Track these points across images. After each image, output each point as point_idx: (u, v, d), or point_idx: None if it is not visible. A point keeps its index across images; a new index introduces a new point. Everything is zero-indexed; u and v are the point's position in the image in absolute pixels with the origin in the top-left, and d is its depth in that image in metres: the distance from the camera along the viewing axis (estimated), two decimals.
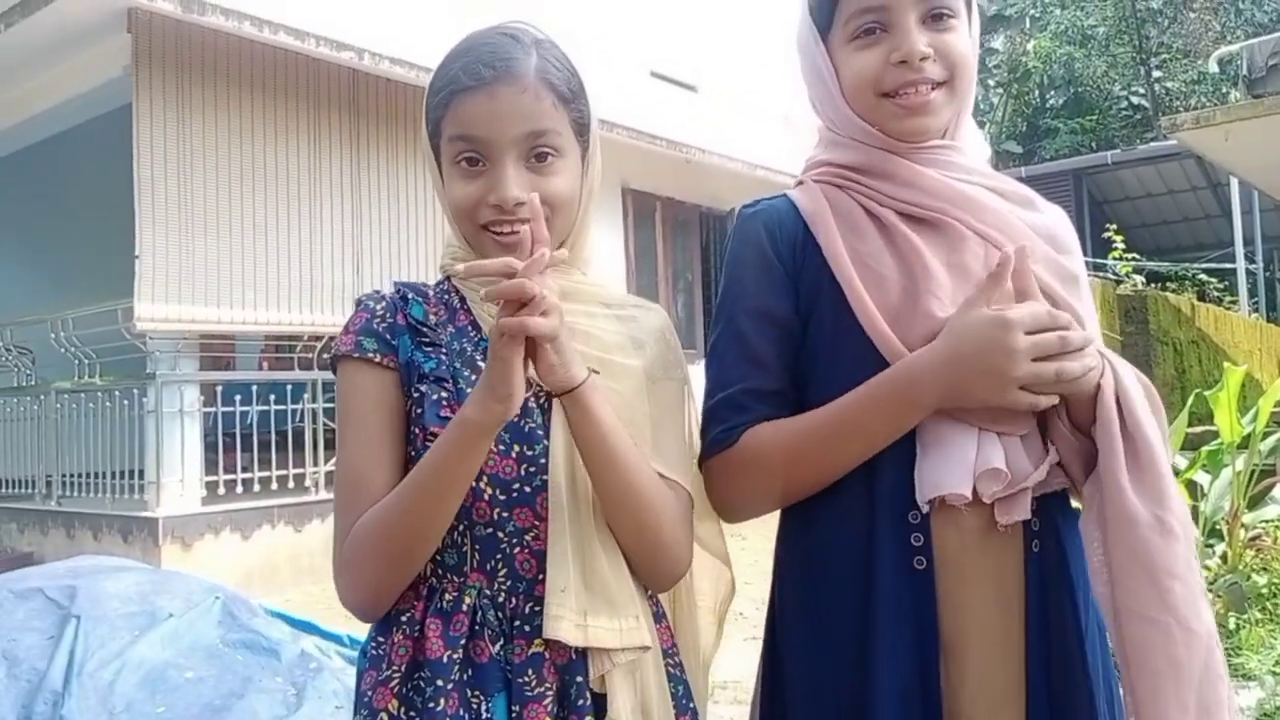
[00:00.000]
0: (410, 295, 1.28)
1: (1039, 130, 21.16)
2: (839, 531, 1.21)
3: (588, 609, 1.14)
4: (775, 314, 1.26)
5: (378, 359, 1.22)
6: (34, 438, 7.32)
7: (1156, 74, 20.04)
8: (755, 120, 10.26)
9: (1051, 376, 1.10)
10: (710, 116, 9.89)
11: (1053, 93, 21.16)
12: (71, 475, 6.96)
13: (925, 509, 1.16)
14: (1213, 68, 14.30)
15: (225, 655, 3.14)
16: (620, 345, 1.27)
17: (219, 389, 6.48)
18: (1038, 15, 20.29)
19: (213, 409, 6.42)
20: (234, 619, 3.39)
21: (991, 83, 21.79)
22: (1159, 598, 1.09)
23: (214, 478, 6.39)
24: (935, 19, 1.22)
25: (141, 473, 6.30)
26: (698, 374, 1.33)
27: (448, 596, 1.18)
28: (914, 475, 1.17)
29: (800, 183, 1.35)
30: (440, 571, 1.19)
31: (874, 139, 1.27)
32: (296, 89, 6.78)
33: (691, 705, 1.27)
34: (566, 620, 1.13)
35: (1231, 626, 4.08)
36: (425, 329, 1.25)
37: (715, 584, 1.42)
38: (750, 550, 2.35)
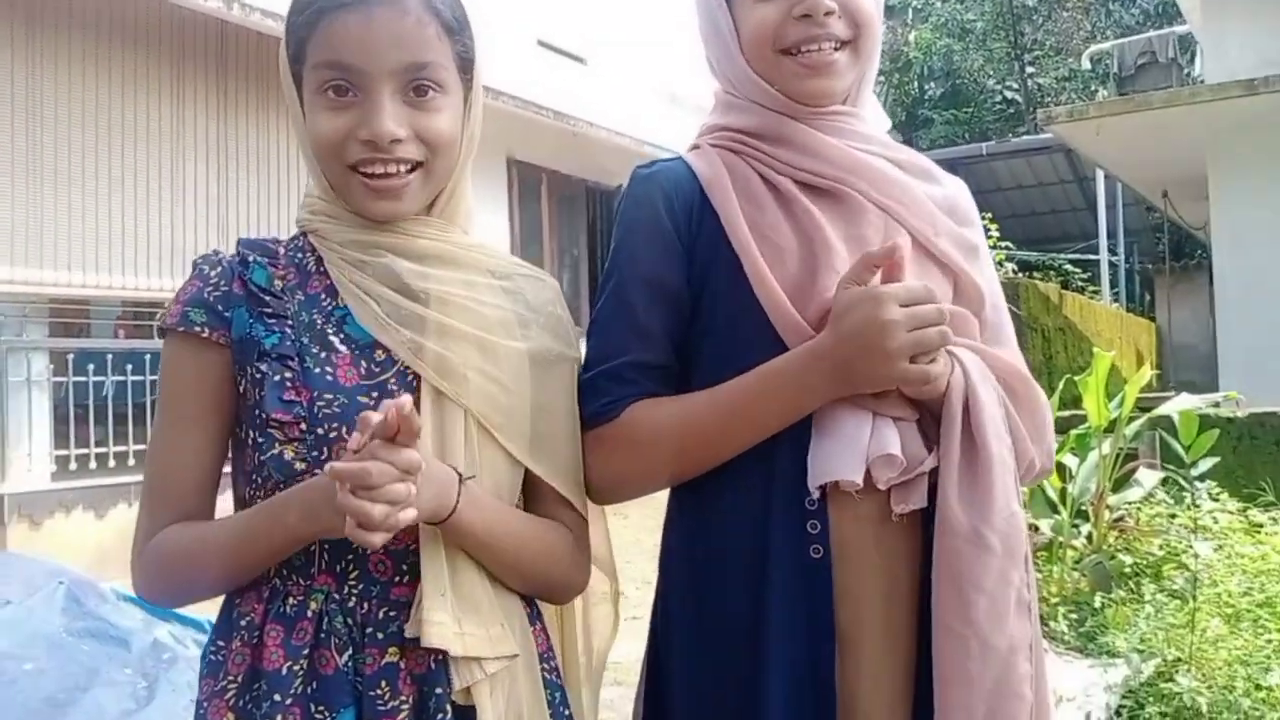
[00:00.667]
0: (253, 258, 1.14)
1: (917, 120, 21.70)
2: (733, 516, 1.16)
3: (460, 615, 1.04)
4: (666, 284, 1.18)
5: (205, 334, 1.09)
6: None
7: (1030, 70, 20.77)
8: (644, 95, 10.18)
9: (938, 341, 1.06)
10: (599, 89, 9.77)
11: (932, 84, 21.72)
12: None
13: (817, 494, 1.11)
14: (1085, 65, 14.91)
15: (69, 645, 2.92)
16: (503, 323, 1.15)
17: (71, 357, 6.09)
18: (920, 7, 20.78)
19: (64, 379, 6.03)
20: (79, 605, 3.16)
21: None
22: (962, 610, 1.08)
23: (65, 452, 6.01)
24: None
25: None
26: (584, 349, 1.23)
27: (291, 600, 1.06)
28: (808, 460, 1.12)
29: (696, 147, 1.27)
30: (285, 572, 1.07)
31: (773, 100, 1.20)
32: (159, 38, 6.36)
33: (567, 712, 1.18)
34: (447, 627, 1.02)
35: (1097, 605, 4.21)
36: (268, 297, 1.11)
37: (595, 633, 1.34)
38: (632, 528, 2.26)
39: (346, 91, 1.08)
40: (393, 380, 1.10)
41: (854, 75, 1.21)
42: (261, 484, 1.08)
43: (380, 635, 1.05)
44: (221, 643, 1.09)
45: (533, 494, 1.18)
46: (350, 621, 1.05)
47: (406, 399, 0.95)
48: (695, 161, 1.23)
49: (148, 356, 6.40)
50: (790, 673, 1.11)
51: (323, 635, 1.04)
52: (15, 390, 5.83)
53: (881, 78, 22.23)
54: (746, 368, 1.14)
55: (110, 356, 6.22)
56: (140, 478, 1.15)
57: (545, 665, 1.16)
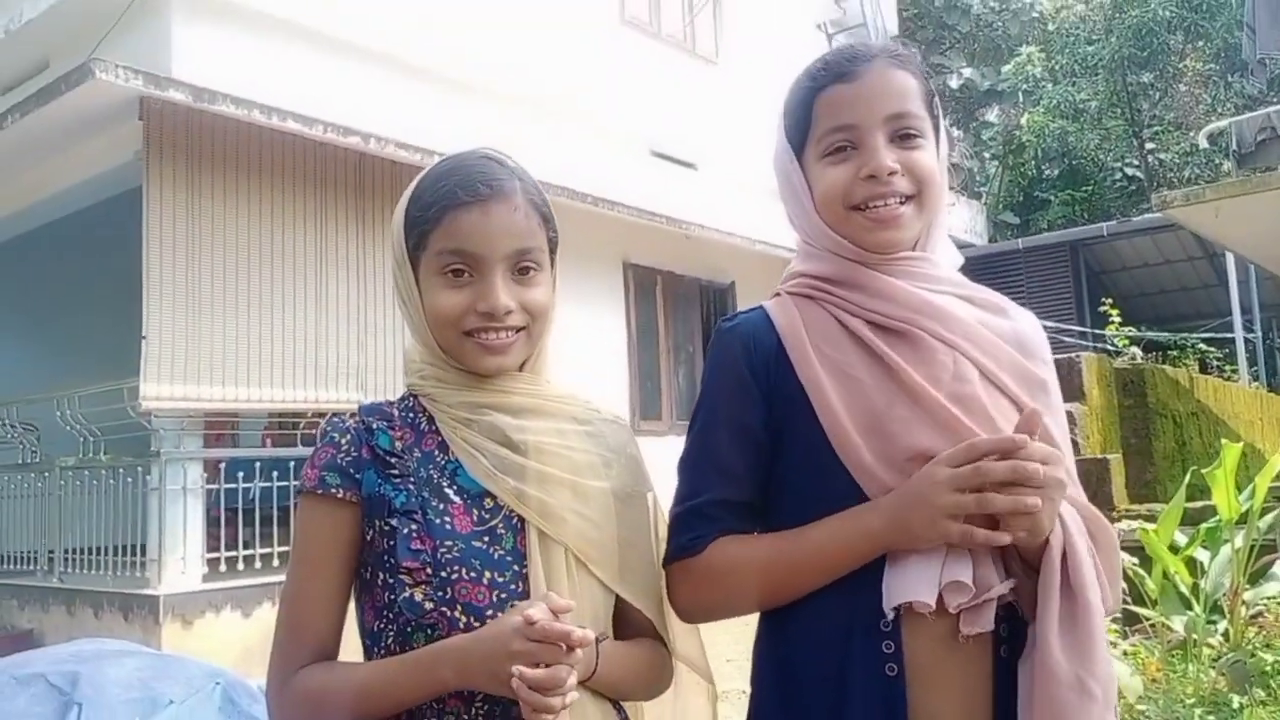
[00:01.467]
0: (375, 424, 1.32)
1: (1035, 201, 21.38)
2: (814, 636, 1.25)
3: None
4: (748, 427, 1.30)
5: (340, 494, 1.27)
6: (37, 514, 7.36)
7: (1149, 146, 20.32)
8: (752, 195, 10.42)
9: (971, 505, 1.15)
10: (709, 192, 10.06)
11: (1048, 165, 21.42)
12: (74, 551, 6.99)
13: (891, 615, 1.20)
14: (1203, 143, 14.54)
15: None
16: (590, 465, 1.34)
17: (222, 466, 6.52)
18: (1030, 89, 20.64)
19: (215, 485, 6.45)
20: (234, 705, 3.38)
21: (987, 155, 22.09)
22: None
23: (215, 554, 6.40)
24: (903, 138, 1.29)
25: (143, 549, 6.32)
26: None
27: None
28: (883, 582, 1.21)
29: (777, 294, 1.41)
30: None
31: (845, 250, 1.32)
32: (304, 172, 6.93)
33: None
34: None
35: (1235, 706, 4.06)
36: (393, 459, 1.29)
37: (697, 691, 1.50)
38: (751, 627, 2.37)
39: (463, 273, 1.29)
40: (500, 525, 1.27)
41: (920, 224, 1.32)
42: (392, 619, 1.24)
43: None
44: None
45: (620, 616, 1.36)
46: None
47: (554, 598, 1.18)
48: (774, 310, 1.36)
49: (291, 463, 6.82)
50: None
51: None
52: (172, 499, 6.27)
53: (995, 162, 22.06)
54: (823, 504, 1.25)
55: (258, 464, 6.65)
56: (284, 578, 1.33)
57: None
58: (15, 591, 7.32)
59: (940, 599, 1.19)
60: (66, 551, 7.02)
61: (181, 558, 6.23)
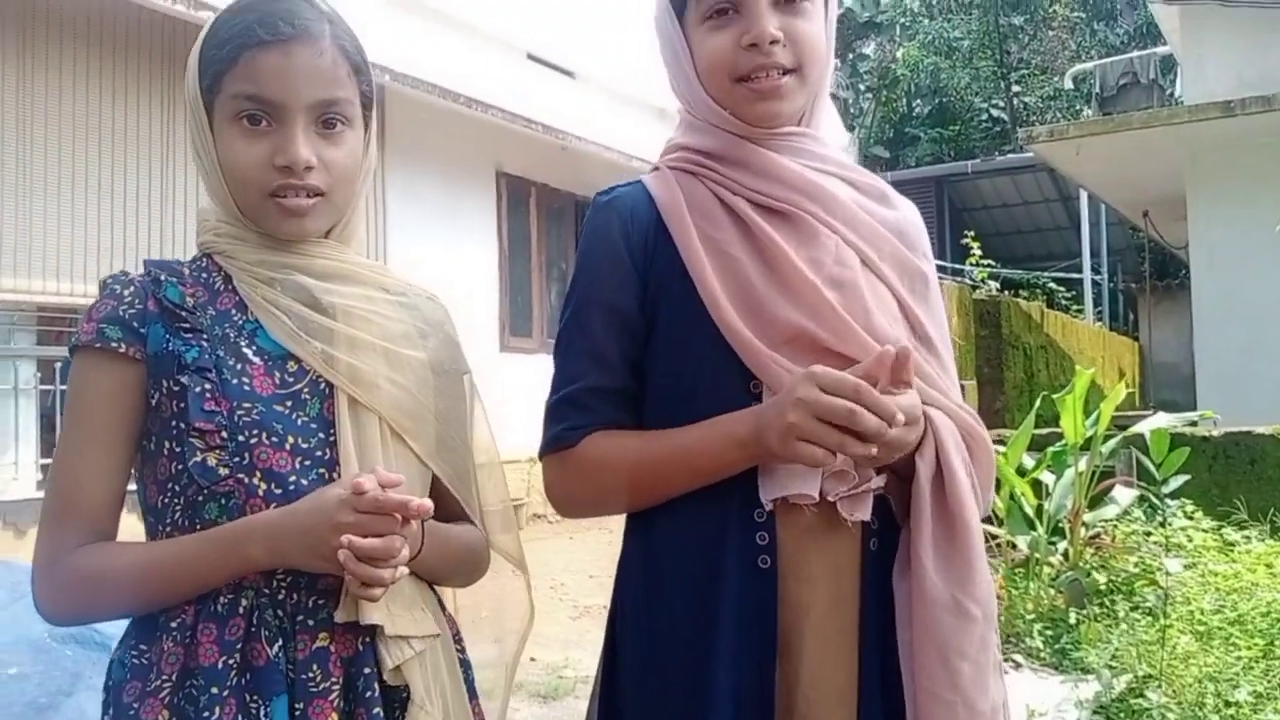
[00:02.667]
0: (163, 276, 1.20)
1: (905, 137, 21.86)
2: (685, 529, 1.20)
3: (387, 599, 1.12)
4: (623, 309, 1.24)
5: (121, 349, 1.15)
6: None
7: (1016, 88, 20.95)
8: (633, 110, 10.25)
9: (835, 443, 1.07)
10: (588, 104, 9.83)
11: (919, 101, 21.88)
12: None
13: (769, 508, 1.16)
14: (1068, 84, 15.06)
15: (53, 650, 2.93)
16: (405, 334, 1.25)
17: (59, 366, 6.10)
18: (907, 24, 20.94)
19: (51, 386, 6.03)
20: None
21: (861, 87, 22.39)
22: (949, 678, 1.13)
23: (50, 460, 6.01)
24: (788, 1, 1.21)
25: None
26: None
27: (222, 600, 1.12)
28: (758, 473, 1.17)
29: (656, 168, 1.33)
30: None
31: (729, 124, 1.25)
32: (150, 46, 6.39)
33: (475, 690, 1.29)
34: (379, 608, 1.12)
35: (1072, 621, 4.27)
36: (184, 313, 1.17)
37: (510, 616, 1.46)
38: (620, 542, 2.33)
39: (261, 121, 1.16)
40: (305, 390, 1.17)
41: (803, 97, 1.25)
42: (180, 491, 1.13)
43: (310, 622, 1.13)
44: (145, 646, 1.13)
45: (433, 497, 1.25)
46: (281, 613, 1.12)
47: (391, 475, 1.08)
48: (653, 185, 1.28)
49: None
50: (735, 680, 1.15)
51: (254, 629, 1.11)
52: (2, 399, 5.83)
53: (869, 94, 22.40)
54: (698, 386, 1.19)
55: None
56: (131, 487, 1.19)
57: (458, 646, 1.28)
58: None
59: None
60: None
61: (14, 463, 5.83)
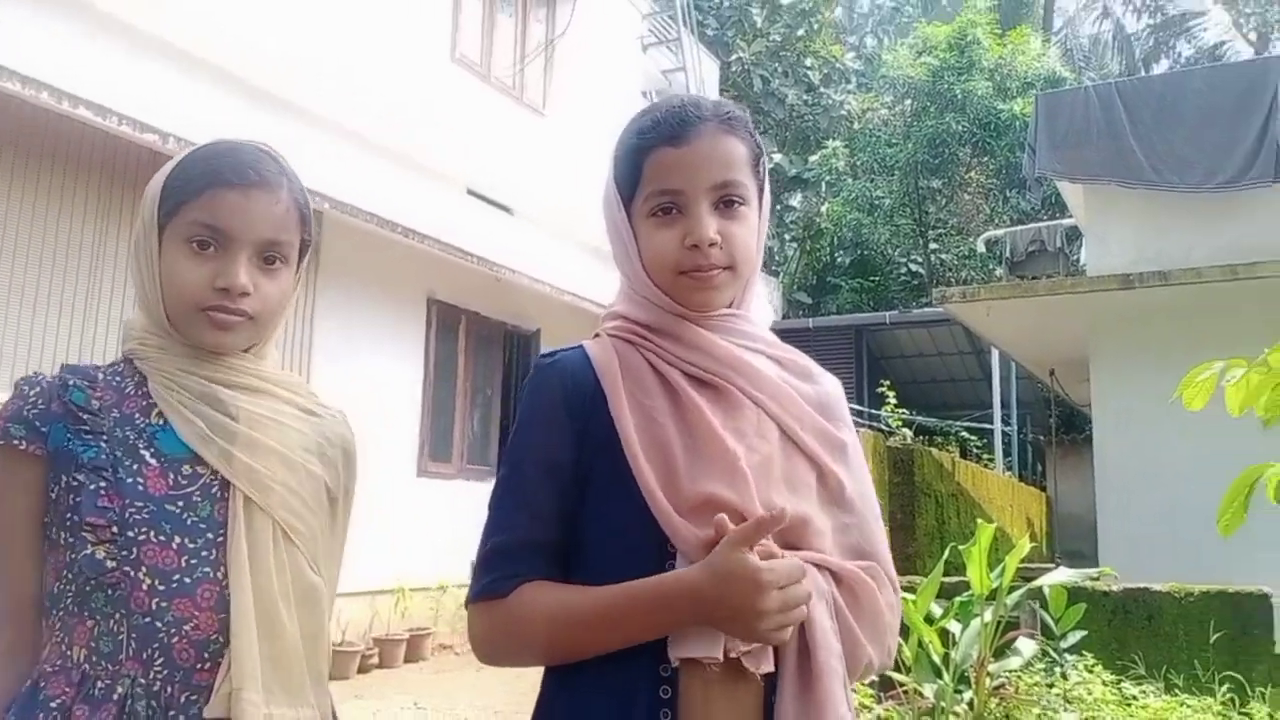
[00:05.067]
0: (73, 381, 1.30)
1: (827, 285, 22.63)
2: (593, 683, 1.25)
3: (269, 697, 1.19)
4: (559, 465, 1.30)
5: (23, 446, 1.24)
6: None
7: (933, 246, 21.92)
8: (565, 245, 10.51)
9: (795, 621, 1.20)
10: (522, 238, 10.07)
11: (841, 252, 22.75)
12: None
13: (675, 664, 1.22)
14: (980, 248, 15.82)
15: None
16: (304, 446, 1.36)
17: None
18: (832, 182, 21.92)
19: None
20: None
21: (788, 236, 23.24)
22: None
23: None
24: (727, 205, 1.32)
25: None
26: (490, 491, 1.36)
27: (100, 684, 1.18)
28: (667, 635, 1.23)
29: (597, 335, 1.42)
30: (94, 659, 1.20)
31: (666, 304, 1.35)
32: (89, 163, 6.46)
33: None
34: (257, 707, 1.17)
35: None
36: (85, 415, 1.26)
37: None
38: (526, 679, 2.35)
39: (209, 246, 1.29)
40: (197, 493, 1.27)
41: (735, 288, 1.37)
42: (72, 579, 1.21)
43: (180, 717, 1.18)
44: None
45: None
46: (154, 705, 1.17)
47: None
48: (592, 350, 1.37)
49: None
50: None
51: (125, 717, 1.16)
52: None
53: (794, 243, 23.23)
54: (620, 545, 1.26)
55: None
56: None
57: None
58: None
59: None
60: None
61: None
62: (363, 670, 7.89)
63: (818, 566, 1.27)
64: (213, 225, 1.28)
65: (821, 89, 22.90)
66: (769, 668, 1.23)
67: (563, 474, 1.30)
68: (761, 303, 1.46)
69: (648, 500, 1.24)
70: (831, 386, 1.44)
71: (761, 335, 1.40)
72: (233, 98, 7.14)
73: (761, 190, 1.38)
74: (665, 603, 1.21)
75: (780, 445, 1.31)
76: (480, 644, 1.32)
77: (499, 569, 1.29)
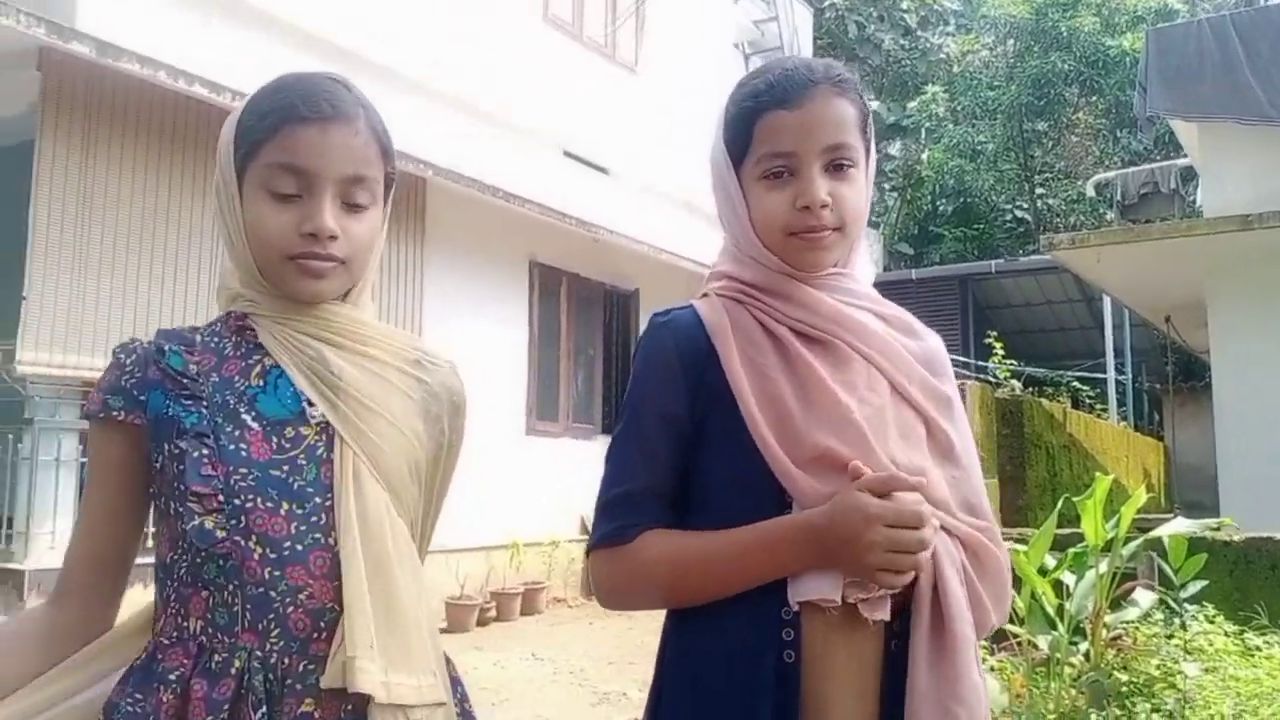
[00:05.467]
0: (168, 346, 1.26)
1: (929, 235, 22.13)
2: (717, 626, 1.30)
3: (388, 665, 1.16)
4: (676, 416, 1.35)
5: (121, 417, 1.22)
6: None
7: (1039, 191, 21.24)
8: (662, 204, 10.53)
9: (906, 567, 1.22)
10: (619, 198, 10.12)
11: (943, 200, 22.20)
12: None
13: (796, 608, 1.26)
14: (1090, 192, 15.27)
15: None
16: (409, 411, 1.31)
17: None
18: (932, 128, 21.36)
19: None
20: None
21: (887, 186, 22.77)
22: None
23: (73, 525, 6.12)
24: (837, 168, 1.34)
25: (10, 521, 6.03)
26: (596, 449, 1.40)
27: (217, 658, 1.16)
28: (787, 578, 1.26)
29: (705, 295, 1.46)
30: (210, 630, 1.18)
31: (775, 264, 1.38)
32: (205, 139, 6.72)
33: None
34: (374, 675, 1.15)
35: None
36: (185, 379, 1.23)
37: None
38: (639, 629, 2.43)
39: (291, 190, 1.22)
40: (302, 455, 1.23)
41: (843, 248, 1.39)
42: (184, 550, 1.19)
43: (299, 687, 1.16)
44: (140, 695, 1.16)
45: None
46: (270, 677, 1.16)
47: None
48: (703, 310, 1.40)
49: None
50: None
51: (243, 691, 1.14)
52: (44, 469, 6.00)
53: (894, 194, 22.76)
54: (735, 494, 1.30)
55: None
56: (151, 560, 1.26)
57: (460, 711, 1.31)
58: None
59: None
60: None
61: (50, 532, 5.95)
62: (481, 623, 8.13)
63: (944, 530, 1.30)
64: (291, 165, 1.21)
65: (919, 32, 22.29)
66: (884, 616, 1.26)
67: (678, 426, 1.35)
68: (865, 260, 1.48)
69: (764, 454, 1.28)
70: (935, 342, 1.46)
71: (867, 293, 1.43)
72: (333, 65, 7.29)
73: (869, 151, 1.40)
74: (781, 538, 1.26)
75: (891, 398, 1.33)
76: (604, 589, 1.38)
77: (621, 517, 1.34)
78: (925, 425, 1.35)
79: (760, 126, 1.35)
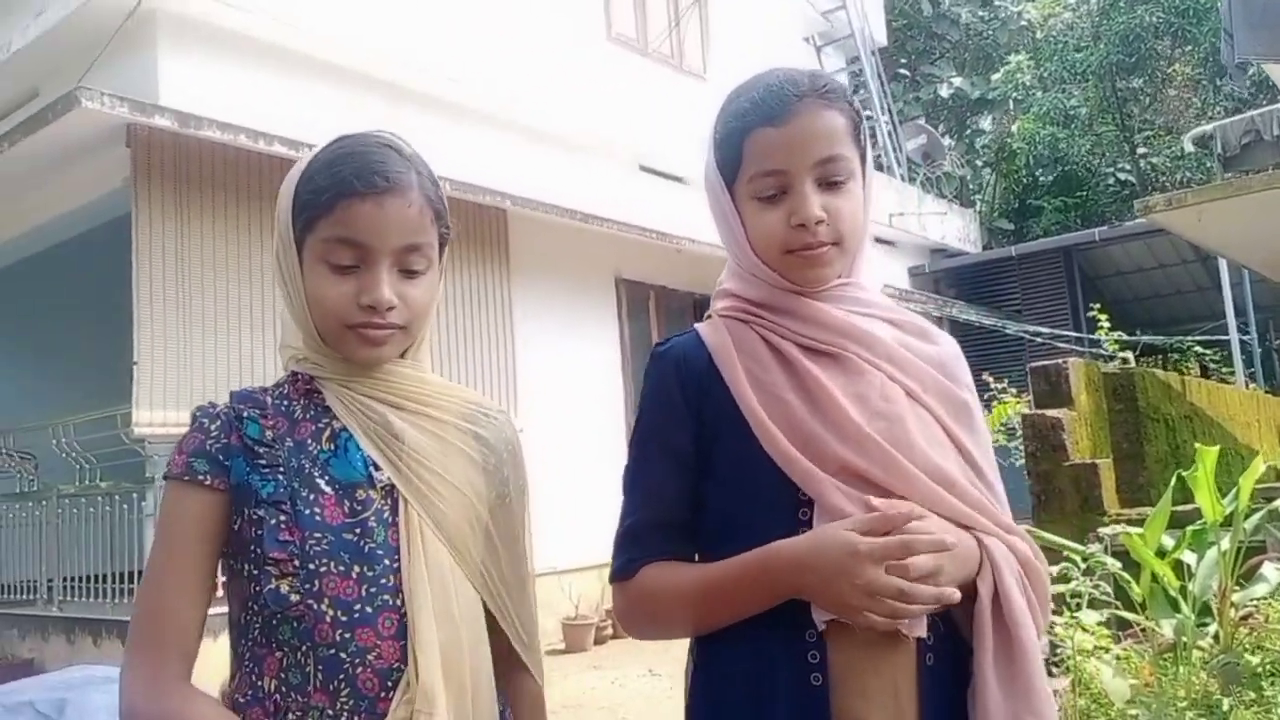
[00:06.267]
0: (246, 412, 1.30)
1: (1029, 208, 21.46)
2: (740, 652, 1.29)
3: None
4: (678, 448, 1.35)
5: (207, 481, 1.26)
6: (36, 542, 7.40)
7: (1141, 150, 20.41)
8: None
9: (887, 610, 1.18)
10: (698, 206, 10.07)
11: (1041, 171, 21.51)
12: (73, 579, 7.01)
13: (822, 627, 1.23)
14: (1188, 147, 14.59)
15: None
16: (470, 465, 1.35)
17: None
18: (1020, 98, 20.74)
19: None
20: None
21: (980, 163, 22.18)
22: None
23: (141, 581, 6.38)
24: (831, 182, 1.32)
25: (140, 575, 6.31)
26: None
27: (290, 715, 1.21)
28: None
29: (709, 316, 1.45)
30: (284, 689, 1.22)
31: (777, 281, 1.36)
32: (259, 189, 6.95)
33: None
34: None
35: (1226, 708, 4.05)
36: (261, 448, 1.27)
37: None
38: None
39: (349, 262, 1.27)
40: (372, 518, 1.27)
41: (844, 261, 1.37)
42: (259, 611, 1.23)
43: None
44: None
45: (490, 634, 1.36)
46: None
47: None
48: (705, 333, 1.40)
49: None
50: None
51: None
52: (148, 524, 6.30)
53: (988, 169, 22.15)
54: (749, 516, 1.29)
55: None
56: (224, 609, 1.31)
57: None
58: (15, 621, 7.35)
59: None
60: (65, 579, 7.06)
61: None
62: (599, 641, 8.22)
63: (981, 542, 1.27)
64: (349, 239, 1.25)
65: (997, 1, 21.69)
66: (921, 632, 1.23)
67: (683, 457, 1.35)
68: (873, 267, 1.45)
69: (786, 465, 1.27)
70: (950, 347, 1.43)
71: (876, 301, 1.40)
72: (405, 108, 7.50)
73: (864, 158, 1.37)
74: (766, 572, 1.24)
75: (908, 405, 1.31)
76: (620, 619, 1.41)
77: (626, 552, 1.36)
78: (945, 433, 1.32)
79: (749, 145, 1.33)
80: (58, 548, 7.13)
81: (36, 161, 6.57)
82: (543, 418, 8.21)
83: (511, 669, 1.39)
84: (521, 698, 1.41)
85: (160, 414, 6.14)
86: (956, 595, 1.19)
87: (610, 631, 8.38)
